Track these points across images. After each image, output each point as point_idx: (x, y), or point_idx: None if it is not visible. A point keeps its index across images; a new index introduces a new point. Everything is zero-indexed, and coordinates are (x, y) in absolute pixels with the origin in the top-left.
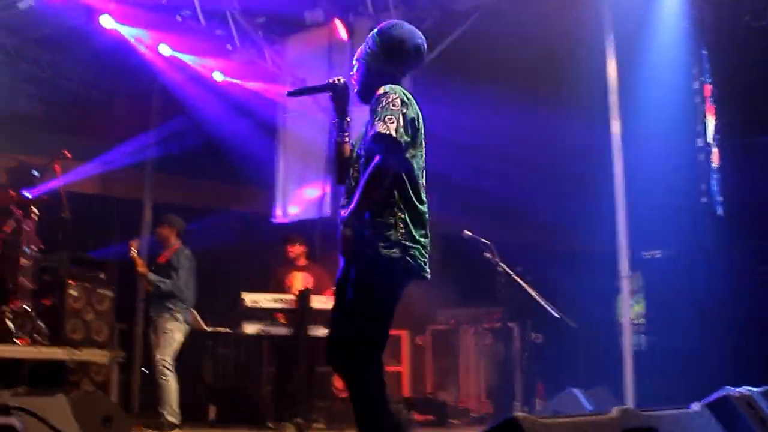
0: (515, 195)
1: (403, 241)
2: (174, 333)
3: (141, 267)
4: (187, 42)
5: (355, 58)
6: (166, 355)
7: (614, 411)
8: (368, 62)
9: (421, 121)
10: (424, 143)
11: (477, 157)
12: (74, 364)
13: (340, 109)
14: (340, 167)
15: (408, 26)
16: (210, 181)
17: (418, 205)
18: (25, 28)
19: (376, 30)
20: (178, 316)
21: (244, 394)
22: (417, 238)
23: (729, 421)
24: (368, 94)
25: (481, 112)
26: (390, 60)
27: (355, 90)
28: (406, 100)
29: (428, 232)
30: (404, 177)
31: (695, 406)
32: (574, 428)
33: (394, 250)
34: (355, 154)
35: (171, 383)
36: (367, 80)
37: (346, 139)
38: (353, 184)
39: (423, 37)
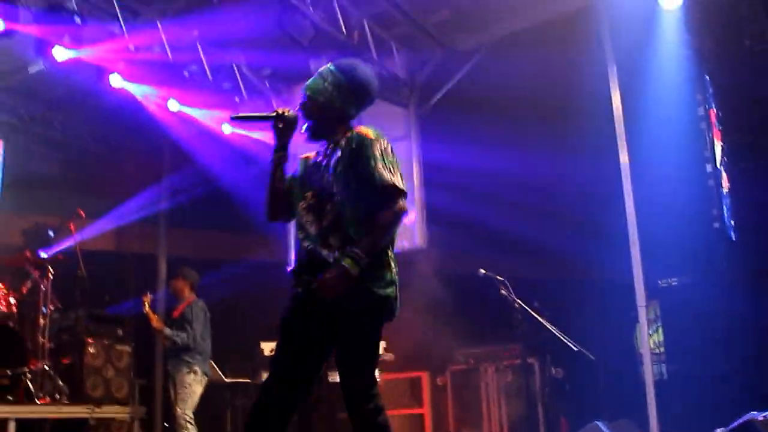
0: (527, 230)
1: (395, 280)
2: (193, 386)
3: (156, 322)
4: (195, 96)
5: (307, 88)
6: (186, 409)
7: None
8: (328, 100)
9: None
10: None
11: (487, 195)
12: (95, 422)
13: (283, 141)
14: (274, 201)
15: (367, 67)
16: (223, 232)
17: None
18: (36, 91)
19: (334, 67)
20: (196, 368)
21: None
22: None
23: None
24: (322, 132)
25: (488, 149)
26: (353, 101)
27: (306, 125)
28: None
29: None
30: None
31: None
32: None
33: (389, 289)
34: (330, 192)
35: None
36: (324, 117)
37: (284, 173)
38: (325, 223)
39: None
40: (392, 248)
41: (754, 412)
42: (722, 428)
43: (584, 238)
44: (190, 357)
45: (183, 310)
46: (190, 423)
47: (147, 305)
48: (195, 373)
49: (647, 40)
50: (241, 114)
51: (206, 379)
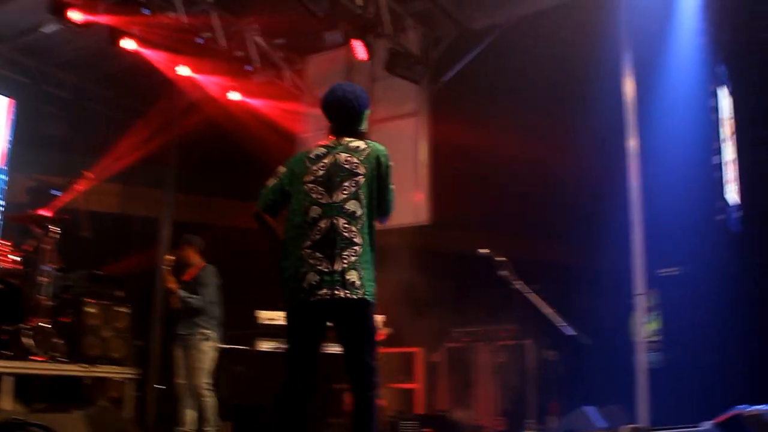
0: (531, 212)
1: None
2: (209, 353)
3: (172, 283)
4: (207, 63)
5: None
6: (204, 377)
7: (623, 430)
8: None
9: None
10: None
11: (493, 174)
12: (91, 381)
13: None
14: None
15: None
16: (228, 200)
17: None
18: (48, 51)
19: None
20: (210, 334)
21: (260, 411)
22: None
23: None
24: None
25: (497, 130)
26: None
27: None
28: None
29: None
30: None
31: (705, 425)
32: None
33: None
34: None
35: (213, 401)
36: None
37: None
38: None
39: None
40: (294, 238)
41: (742, 406)
42: (709, 421)
43: (588, 223)
44: (203, 321)
45: (195, 274)
46: (209, 390)
47: (168, 267)
48: (208, 338)
49: (663, 27)
50: None
51: (218, 345)
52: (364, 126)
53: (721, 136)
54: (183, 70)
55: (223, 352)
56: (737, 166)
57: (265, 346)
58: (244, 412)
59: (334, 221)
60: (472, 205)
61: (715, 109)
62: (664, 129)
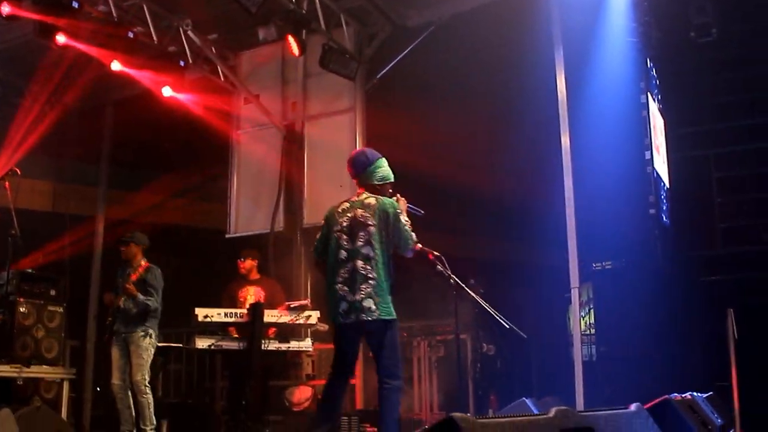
0: (466, 208)
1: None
2: (149, 349)
3: (129, 286)
4: (139, 58)
5: None
6: (145, 374)
7: (552, 411)
8: None
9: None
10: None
11: (428, 171)
12: (24, 382)
13: None
14: None
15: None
16: (162, 197)
17: None
18: None
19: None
20: (152, 332)
21: (196, 409)
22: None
23: (670, 423)
24: None
25: (432, 126)
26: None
27: None
28: None
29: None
30: None
31: (633, 407)
32: (512, 428)
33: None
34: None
35: (151, 399)
36: None
37: None
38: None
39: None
40: (331, 275)
41: (675, 394)
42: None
43: (522, 218)
44: (148, 321)
45: (142, 275)
46: (148, 386)
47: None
48: (151, 336)
49: (594, 25)
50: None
51: (156, 342)
52: (377, 178)
53: (650, 133)
54: (115, 65)
55: (159, 351)
56: (668, 162)
57: (202, 343)
58: (180, 410)
59: (355, 263)
60: (407, 201)
61: (646, 106)
62: (597, 125)
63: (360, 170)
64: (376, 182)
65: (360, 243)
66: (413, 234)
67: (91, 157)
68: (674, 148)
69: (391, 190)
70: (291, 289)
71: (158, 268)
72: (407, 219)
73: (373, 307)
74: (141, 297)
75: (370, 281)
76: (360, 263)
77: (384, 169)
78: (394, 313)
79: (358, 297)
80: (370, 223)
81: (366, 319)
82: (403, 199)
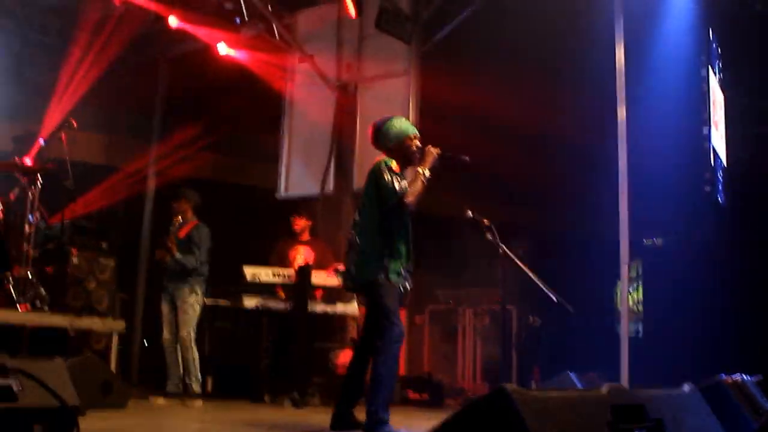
0: (520, 177)
1: None
2: (195, 306)
3: (170, 243)
4: (195, 15)
5: None
6: (191, 330)
7: (604, 387)
8: None
9: None
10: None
11: (482, 138)
12: (75, 332)
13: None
14: None
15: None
16: (215, 155)
17: None
18: None
19: None
20: (198, 289)
21: (241, 368)
22: None
23: (720, 405)
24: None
25: (487, 92)
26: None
27: None
28: None
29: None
30: None
31: (686, 388)
32: (563, 402)
33: None
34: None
35: (196, 355)
36: None
37: None
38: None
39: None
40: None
41: (723, 375)
42: (691, 384)
43: (575, 191)
44: (193, 278)
45: (189, 233)
46: (194, 342)
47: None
48: (196, 293)
49: None
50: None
51: (203, 300)
52: (390, 138)
53: (710, 107)
54: (173, 21)
55: (206, 309)
56: (729, 138)
57: (250, 303)
58: (225, 368)
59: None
60: (458, 166)
61: (706, 80)
62: (654, 97)
63: (374, 141)
64: (391, 143)
65: (357, 210)
66: (398, 189)
67: (146, 111)
68: (736, 125)
69: (418, 143)
70: (340, 253)
71: (206, 227)
72: (429, 170)
73: (353, 270)
74: (178, 255)
75: (354, 246)
76: (352, 231)
77: (395, 126)
78: (380, 275)
79: (347, 263)
80: (364, 190)
81: (349, 285)
82: (434, 149)
